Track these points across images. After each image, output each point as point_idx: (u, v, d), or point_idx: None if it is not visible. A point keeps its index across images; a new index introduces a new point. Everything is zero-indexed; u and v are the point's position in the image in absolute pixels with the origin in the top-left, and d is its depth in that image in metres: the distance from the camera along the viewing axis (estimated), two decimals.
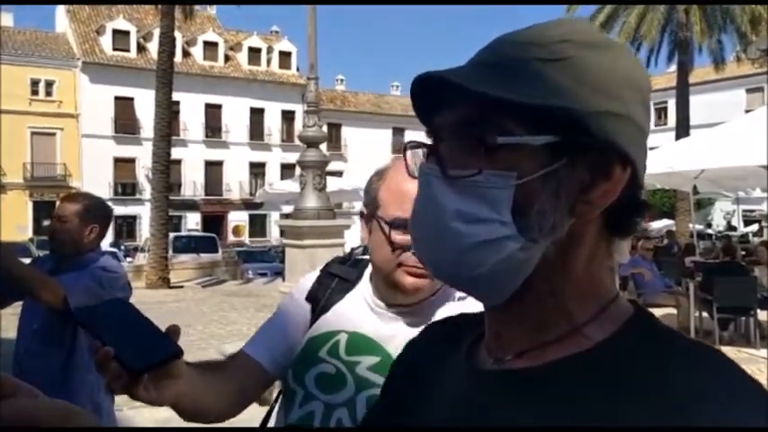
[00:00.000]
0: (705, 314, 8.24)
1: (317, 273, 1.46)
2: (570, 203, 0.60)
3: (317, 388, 1.26)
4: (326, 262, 1.51)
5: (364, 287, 1.35)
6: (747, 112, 14.16)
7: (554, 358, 0.60)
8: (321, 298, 1.39)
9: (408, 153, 0.72)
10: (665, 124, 37.04)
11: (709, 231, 27.43)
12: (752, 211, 27.97)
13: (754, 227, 27.42)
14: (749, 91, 36.67)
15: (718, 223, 35.18)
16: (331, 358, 1.27)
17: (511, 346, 0.64)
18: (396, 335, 1.23)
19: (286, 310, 1.44)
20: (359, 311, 1.32)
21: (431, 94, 0.64)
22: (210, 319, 10.85)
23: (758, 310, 7.89)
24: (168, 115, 17.42)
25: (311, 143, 10.50)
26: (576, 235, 0.62)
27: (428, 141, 0.67)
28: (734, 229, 27.62)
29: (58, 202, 2.82)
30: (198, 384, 1.05)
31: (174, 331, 0.92)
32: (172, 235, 20.76)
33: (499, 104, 0.58)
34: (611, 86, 0.61)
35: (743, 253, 11.67)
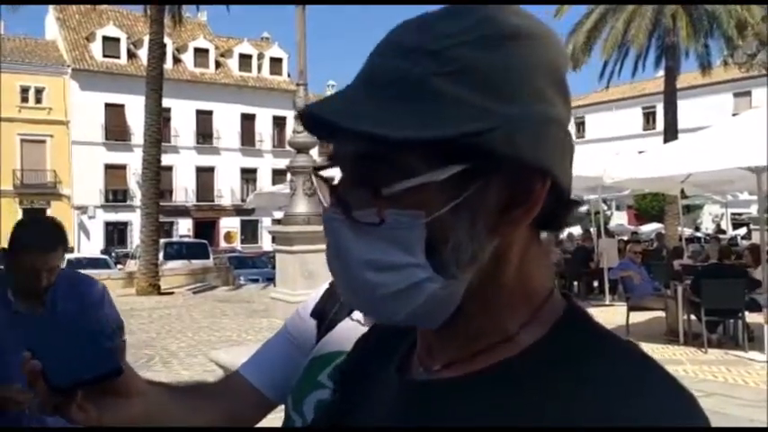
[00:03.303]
0: (694, 317, 8.30)
1: (325, 286, 1.34)
2: (489, 227, 0.56)
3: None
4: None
5: None
6: (735, 116, 14.28)
7: (478, 368, 0.59)
8: (328, 313, 1.28)
9: (316, 181, 0.64)
10: (654, 129, 37.26)
11: (698, 235, 27.58)
12: (740, 214, 28.16)
13: (743, 230, 27.59)
14: (737, 95, 36.95)
15: (707, 226, 35.39)
16: (332, 383, 1.14)
17: (441, 358, 0.63)
18: None
19: (290, 329, 1.32)
20: (364, 329, 1.19)
21: (322, 123, 0.56)
22: (201, 326, 10.81)
23: (746, 313, 7.94)
24: (159, 122, 17.38)
25: (301, 149, 10.52)
26: (501, 249, 0.58)
27: (331, 164, 0.62)
28: (723, 232, 27.77)
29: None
30: (169, 407, 0.91)
31: (119, 347, 0.82)
32: (163, 241, 20.70)
33: (396, 142, 0.52)
34: (524, 88, 0.55)
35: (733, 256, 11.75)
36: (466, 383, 0.58)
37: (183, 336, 9.92)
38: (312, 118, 0.56)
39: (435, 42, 0.55)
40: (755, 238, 14.26)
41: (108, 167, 37.45)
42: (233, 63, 42.48)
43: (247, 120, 41.97)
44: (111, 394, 0.79)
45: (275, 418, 1.30)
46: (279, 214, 15.06)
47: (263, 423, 1.24)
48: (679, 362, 7.40)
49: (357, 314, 1.24)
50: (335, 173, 0.61)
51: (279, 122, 42.66)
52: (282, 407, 1.23)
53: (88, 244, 35.35)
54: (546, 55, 0.57)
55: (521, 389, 0.55)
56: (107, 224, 37.42)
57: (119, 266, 23.14)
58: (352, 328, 1.21)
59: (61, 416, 0.77)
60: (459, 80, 0.54)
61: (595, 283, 13.50)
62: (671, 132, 21.16)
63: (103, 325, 2.46)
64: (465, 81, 0.54)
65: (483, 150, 0.53)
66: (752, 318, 8.02)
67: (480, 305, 0.59)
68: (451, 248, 0.55)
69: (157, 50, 17.29)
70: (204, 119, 40.53)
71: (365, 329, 1.18)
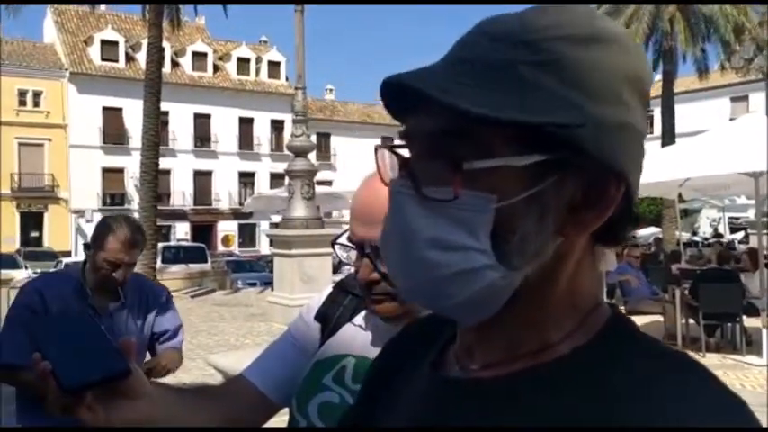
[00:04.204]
0: (692, 321, 8.30)
1: (329, 289, 1.35)
2: (557, 225, 0.55)
3: (320, 419, 1.15)
4: (342, 278, 1.39)
5: None
6: (732, 120, 14.31)
7: (517, 369, 0.58)
8: (332, 316, 1.28)
9: (380, 155, 0.64)
10: (651, 133, 37.18)
11: (696, 239, 27.62)
12: (737, 218, 28.18)
13: (740, 234, 27.62)
14: (734, 100, 37.06)
15: (705, 231, 35.43)
16: (336, 386, 1.16)
17: (480, 358, 0.61)
18: None
19: (293, 332, 1.32)
20: (368, 333, 1.20)
21: (404, 95, 0.55)
22: (199, 330, 10.78)
23: (744, 317, 7.95)
24: (157, 125, 17.37)
25: (299, 152, 10.53)
26: (560, 252, 0.57)
27: (401, 143, 0.61)
28: (720, 236, 27.79)
29: (114, 245, 2.46)
30: (175, 408, 0.93)
31: (126, 347, 0.83)
32: (161, 245, 20.66)
33: (479, 118, 0.52)
34: (608, 90, 0.55)
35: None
36: (502, 384, 0.58)
37: None
38: (396, 86, 0.55)
39: (527, 33, 0.55)
40: (753, 242, 14.28)
41: (106, 171, 37.39)
42: (231, 67, 42.48)
43: (245, 123, 41.94)
44: (119, 395, 0.81)
45: (279, 421, 1.30)
46: (277, 218, 15.07)
47: (276, 423, 1.25)
48: None
49: (359, 319, 1.24)
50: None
51: (277, 126, 42.64)
52: (287, 410, 1.24)
53: None
54: (629, 63, 0.57)
55: (559, 393, 0.54)
56: None
57: None
58: (354, 332, 1.21)
59: (70, 416, 0.78)
60: (550, 71, 0.54)
61: None
62: (668, 136, 21.23)
63: (165, 326, 2.78)
64: (555, 73, 0.54)
65: (569, 144, 0.53)
66: (749, 322, 8.04)
67: (530, 306, 0.58)
68: (518, 239, 0.54)
69: (156, 54, 17.28)
70: (202, 122, 40.49)
71: (367, 334, 1.20)
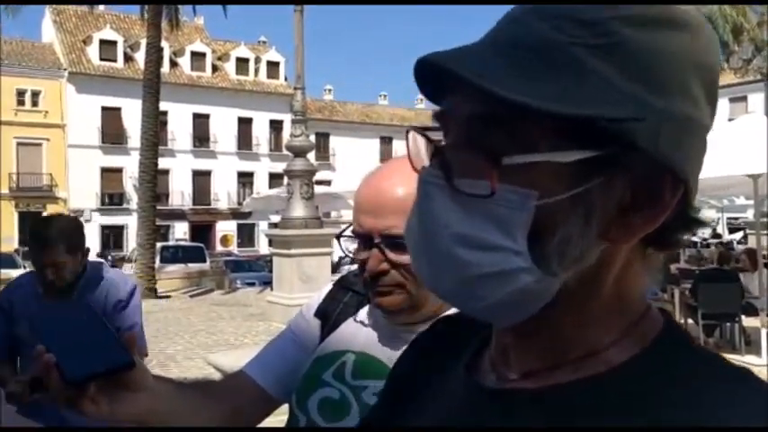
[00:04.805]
0: (691, 321, 8.31)
1: (329, 286, 1.35)
2: (602, 228, 0.50)
3: (320, 415, 1.14)
4: (342, 275, 1.39)
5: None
6: (731, 120, 14.34)
7: (563, 380, 0.53)
8: (332, 313, 1.27)
9: (411, 139, 0.58)
10: None
11: (695, 239, 27.64)
12: (736, 218, 28.22)
13: (739, 234, 27.66)
14: (732, 100, 37.08)
15: (704, 231, 35.46)
16: (336, 382, 1.16)
17: (518, 365, 0.56)
18: None
19: (294, 329, 1.32)
20: (368, 330, 1.19)
21: (440, 75, 0.50)
22: (198, 329, 10.78)
23: (743, 317, 7.96)
24: (155, 125, 17.36)
25: (298, 152, 10.53)
26: (605, 258, 0.51)
27: (435, 126, 0.56)
28: (719, 236, 27.84)
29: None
30: (176, 402, 0.94)
31: (130, 340, 0.82)
32: (159, 245, 20.66)
33: (520, 107, 0.46)
34: (674, 80, 0.49)
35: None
36: (548, 397, 0.52)
37: (180, 339, 9.89)
38: (431, 67, 0.50)
39: (585, 11, 0.49)
40: (752, 242, 14.29)
41: (104, 171, 37.39)
42: (230, 67, 42.48)
43: (244, 123, 41.94)
44: (121, 388, 0.80)
45: (276, 421, 1.30)
46: (276, 218, 15.07)
47: (276, 423, 1.25)
48: None
49: (360, 316, 1.24)
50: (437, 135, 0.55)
51: (276, 126, 42.65)
52: (285, 410, 1.24)
53: None
54: (698, 49, 0.50)
55: (611, 409, 0.49)
56: (103, 228, 37.33)
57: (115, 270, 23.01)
58: (355, 329, 1.21)
59: (73, 408, 0.78)
60: (608, 57, 0.48)
61: None
62: None
63: (119, 323, 2.61)
64: (614, 59, 0.48)
65: (623, 140, 0.47)
66: (748, 322, 8.05)
67: (572, 312, 0.53)
68: (558, 241, 0.49)
69: (154, 54, 17.27)
70: (201, 122, 40.49)
71: (368, 330, 1.20)
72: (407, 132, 0.58)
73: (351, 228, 1.14)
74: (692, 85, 0.50)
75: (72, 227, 2.58)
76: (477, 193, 0.49)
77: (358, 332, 1.20)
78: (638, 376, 0.50)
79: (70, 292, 2.53)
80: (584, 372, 0.52)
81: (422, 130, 0.56)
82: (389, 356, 1.12)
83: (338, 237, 1.17)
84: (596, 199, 0.49)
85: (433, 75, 0.51)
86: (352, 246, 1.15)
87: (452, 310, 1.08)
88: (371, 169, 1.22)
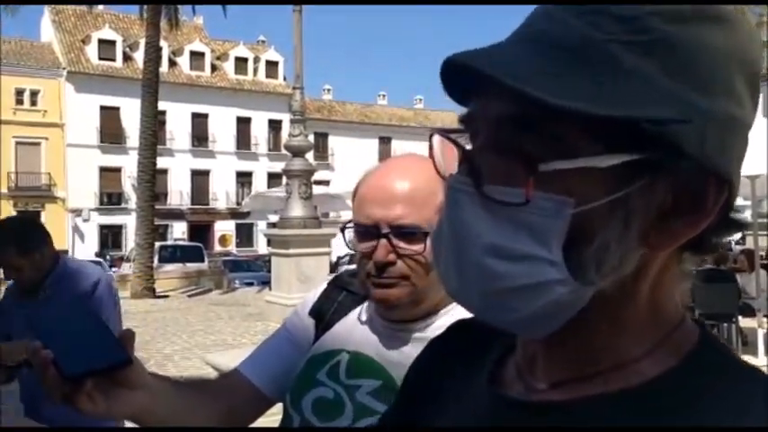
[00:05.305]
0: None
1: (324, 285, 1.35)
2: (642, 234, 0.47)
3: (314, 414, 1.14)
4: (337, 274, 1.39)
5: (371, 301, 1.20)
6: None
7: (594, 393, 0.50)
8: (326, 313, 1.27)
9: (435, 143, 0.55)
10: None
11: None
12: None
13: (737, 235, 27.69)
14: None
15: None
16: (330, 381, 1.16)
17: (547, 374, 0.54)
18: (400, 355, 1.10)
19: (289, 328, 1.32)
20: (362, 329, 1.19)
21: (468, 76, 0.47)
22: (196, 329, 10.80)
23: (740, 317, 7.98)
24: (154, 125, 17.37)
25: (297, 152, 10.54)
26: (641, 263, 0.49)
27: (461, 128, 0.53)
28: None
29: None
30: (173, 401, 0.93)
31: (127, 337, 0.81)
32: (158, 244, 20.67)
33: (556, 110, 0.44)
34: (718, 78, 0.47)
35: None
36: (577, 410, 0.50)
37: (178, 339, 9.90)
38: (458, 68, 0.47)
39: (622, 8, 0.46)
40: (749, 243, 14.30)
41: (103, 170, 37.35)
42: (229, 66, 42.45)
43: (243, 123, 41.91)
44: (118, 385, 0.80)
45: (269, 421, 1.31)
46: (274, 218, 15.07)
47: (269, 423, 1.25)
48: None
49: (354, 315, 1.24)
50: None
51: (275, 126, 42.63)
52: (279, 409, 1.24)
53: (83, 247, 35.21)
54: (741, 44, 0.48)
55: (644, 426, 0.47)
56: (102, 227, 37.31)
57: (113, 269, 23.03)
58: (350, 328, 1.22)
59: (70, 405, 0.77)
60: (649, 55, 0.45)
61: None
62: None
63: None
64: (655, 57, 0.45)
65: (666, 143, 0.45)
66: (745, 322, 8.06)
67: (605, 320, 0.50)
68: (596, 249, 0.46)
69: (153, 53, 17.28)
70: (200, 122, 40.46)
71: (362, 330, 1.21)
72: (431, 136, 0.55)
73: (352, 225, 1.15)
74: (735, 82, 0.48)
75: (24, 229, 2.62)
76: (509, 201, 0.46)
77: (352, 331, 1.21)
78: (673, 392, 0.48)
79: (36, 291, 2.58)
80: (616, 384, 0.50)
81: (447, 133, 0.54)
82: (384, 356, 1.13)
83: (342, 228, 1.17)
84: (636, 203, 0.46)
85: (460, 76, 0.48)
86: (355, 239, 1.15)
87: (452, 309, 1.11)
88: (371, 167, 1.22)
